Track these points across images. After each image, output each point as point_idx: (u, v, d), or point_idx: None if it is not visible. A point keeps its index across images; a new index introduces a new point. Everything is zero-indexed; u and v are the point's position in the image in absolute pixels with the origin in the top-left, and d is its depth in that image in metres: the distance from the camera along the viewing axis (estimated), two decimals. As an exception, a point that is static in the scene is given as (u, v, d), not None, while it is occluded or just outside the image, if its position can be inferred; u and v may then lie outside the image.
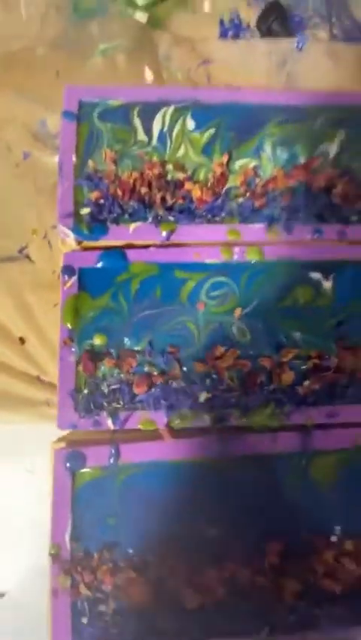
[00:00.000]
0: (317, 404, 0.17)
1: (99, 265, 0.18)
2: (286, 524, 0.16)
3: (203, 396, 0.16)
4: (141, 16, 0.30)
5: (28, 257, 0.25)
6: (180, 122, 0.19)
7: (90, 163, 0.18)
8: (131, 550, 0.15)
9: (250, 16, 0.31)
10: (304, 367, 0.17)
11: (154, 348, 0.17)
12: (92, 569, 0.15)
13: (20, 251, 0.25)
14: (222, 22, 0.31)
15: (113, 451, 0.16)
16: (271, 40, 0.30)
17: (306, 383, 0.17)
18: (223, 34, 0.31)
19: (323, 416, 0.17)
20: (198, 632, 0.15)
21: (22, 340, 0.21)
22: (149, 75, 0.29)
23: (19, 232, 0.25)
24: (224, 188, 0.18)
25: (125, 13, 0.30)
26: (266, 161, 0.19)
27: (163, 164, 0.18)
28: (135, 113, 0.19)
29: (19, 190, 0.26)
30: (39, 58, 0.29)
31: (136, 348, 0.17)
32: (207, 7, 0.31)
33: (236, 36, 0.31)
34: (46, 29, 0.29)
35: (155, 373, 0.17)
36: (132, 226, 0.18)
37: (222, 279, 0.18)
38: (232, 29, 0.31)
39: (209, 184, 0.18)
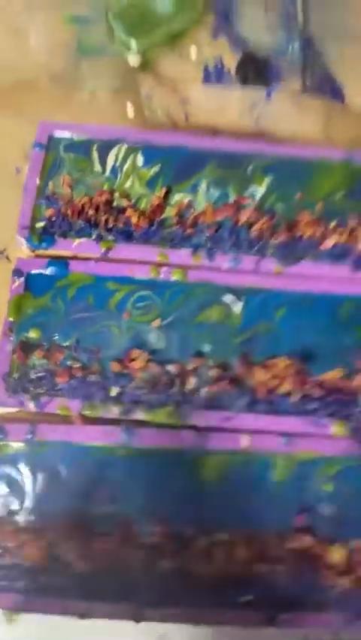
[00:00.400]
0: (214, 409, 0.19)
1: (45, 271, 0.21)
2: (172, 512, 0.18)
3: (114, 391, 0.19)
4: (134, 60, 0.34)
5: (7, 258, 0.29)
6: (131, 157, 0.22)
7: (50, 185, 0.22)
8: (33, 517, 0.18)
9: (232, 63, 0.35)
10: (207, 376, 0.19)
11: (80, 346, 0.20)
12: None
13: (2, 252, 0.28)
14: (206, 68, 0.35)
15: (30, 429, 0.19)
16: (246, 87, 0.33)
17: (206, 389, 0.19)
18: (206, 79, 0.35)
19: (217, 420, 0.19)
20: (80, 592, 0.17)
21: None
22: (131, 111, 0.33)
23: (2, 235, 0.29)
24: (160, 217, 0.21)
25: (119, 54, 0.34)
26: (201, 197, 0.22)
27: (112, 192, 0.22)
28: (95, 147, 0.23)
29: (9, 198, 0.30)
30: (41, 88, 0.33)
31: (64, 344, 0.20)
32: (193, 53, 0.35)
33: (218, 81, 0.35)
34: (51, 62, 0.34)
35: (76, 367, 0.19)
36: (77, 241, 0.21)
37: (147, 293, 0.21)
38: (214, 75, 0.35)
39: (147, 212, 0.21)
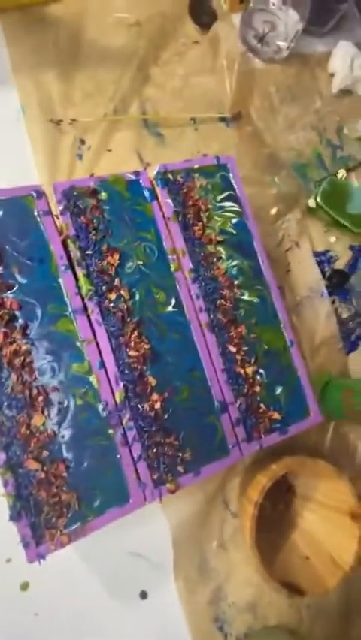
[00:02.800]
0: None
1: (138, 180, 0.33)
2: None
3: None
4: (311, 202, 0.48)
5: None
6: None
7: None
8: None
9: (339, 264, 0.48)
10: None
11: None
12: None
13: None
14: (324, 253, 0.48)
15: None
16: (323, 280, 0.46)
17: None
18: (317, 255, 0.48)
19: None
20: None
21: None
22: (273, 212, 0.46)
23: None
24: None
25: (308, 192, 0.48)
26: (226, 264, 0.34)
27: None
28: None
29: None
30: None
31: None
32: (333, 238, 0.49)
33: (322, 263, 0.48)
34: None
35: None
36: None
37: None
38: (323, 258, 0.48)
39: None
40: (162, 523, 0.37)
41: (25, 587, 0.34)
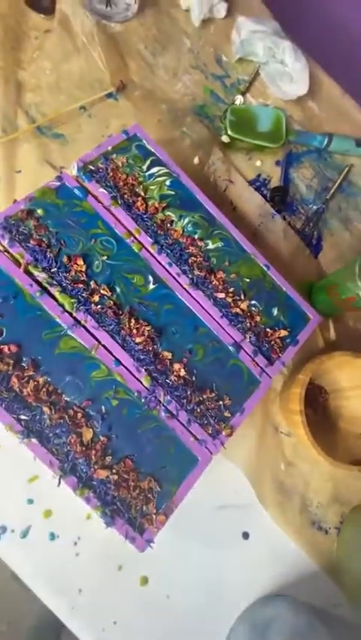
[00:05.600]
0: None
1: (75, 187, 0.33)
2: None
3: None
4: (225, 139, 0.49)
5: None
6: (164, 178, 0.36)
7: (114, 155, 0.35)
8: None
9: (273, 182, 0.50)
10: (106, 301, 0.31)
11: (55, 234, 0.31)
12: None
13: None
14: (258, 177, 0.50)
15: (-5, 250, 0.29)
16: (267, 202, 0.48)
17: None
18: (251, 183, 0.50)
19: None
20: None
21: None
22: (196, 160, 0.47)
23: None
24: (151, 215, 0.34)
25: (218, 129, 0.49)
26: (179, 223, 0.35)
27: (140, 183, 0.35)
28: (151, 159, 0.36)
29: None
30: (162, 109, 0.48)
31: (50, 229, 0.31)
32: (258, 162, 0.51)
33: (259, 188, 0.50)
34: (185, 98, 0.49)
35: (44, 243, 0.30)
36: (101, 190, 0.33)
37: (112, 240, 0.33)
38: (256, 182, 0.50)
39: (148, 208, 0.34)
40: (230, 471, 0.40)
41: (144, 581, 0.37)
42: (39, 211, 0.31)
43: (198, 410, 0.31)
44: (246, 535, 0.40)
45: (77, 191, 0.33)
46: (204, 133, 0.49)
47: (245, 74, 0.55)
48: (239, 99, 0.52)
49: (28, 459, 0.36)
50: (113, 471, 0.28)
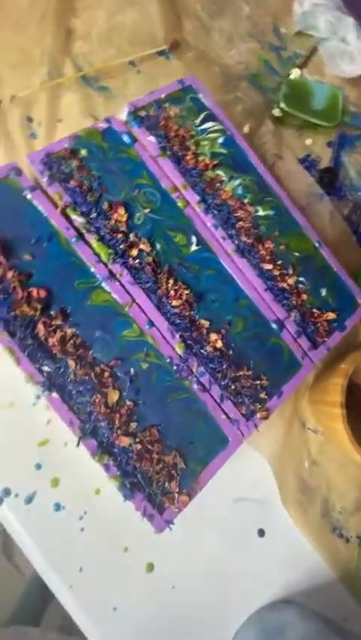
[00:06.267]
0: (129, 274, 0.27)
1: (124, 134, 0.30)
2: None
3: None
4: (276, 112, 0.46)
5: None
6: (218, 134, 0.33)
7: (168, 103, 0.32)
8: None
9: (323, 164, 0.47)
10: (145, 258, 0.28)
11: (99, 180, 0.28)
12: None
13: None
14: (307, 156, 0.47)
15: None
16: (316, 183, 0.45)
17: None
18: (301, 161, 0.46)
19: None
20: None
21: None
22: (247, 129, 0.44)
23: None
24: (201, 170, 0.31)
25: (271, 101, 0.46)
26: (230, 184, 0.32)
27: (192, 137, 0.32)
28: (206, 113, 0.33)
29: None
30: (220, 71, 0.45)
31: (92, 172, 0.29)
32: (308, 142, 0.48)
33: (307, 168, 0.46)
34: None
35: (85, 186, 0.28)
36: (151, 138, 0.30)
37: (156, 192, 0.30)
38: (305, 161, 0.47)
39: (198, 163, 0.31)
40: (252, 461, 0.37)
41: (150, 567, 0.34)
42: (83, 152, 0.29)
43: (233, 387, 0.28)
44: (262, 533, 0.37)
45: (124, 137, 0.30)
46: (259, 100, 0.46)
47: (303, 49, 0.51)
48: (295, 72, 0.49)
49: (39, 421, 0.34)
50: (137, 439, 0.25)
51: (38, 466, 0.33)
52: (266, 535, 0.37)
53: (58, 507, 0.32)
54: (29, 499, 0.32)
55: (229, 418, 0.28)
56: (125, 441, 0.24)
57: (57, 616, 0.33)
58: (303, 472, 0.39)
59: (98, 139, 0.29)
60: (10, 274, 0.25)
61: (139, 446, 0.25)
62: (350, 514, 0.40)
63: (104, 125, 0.30)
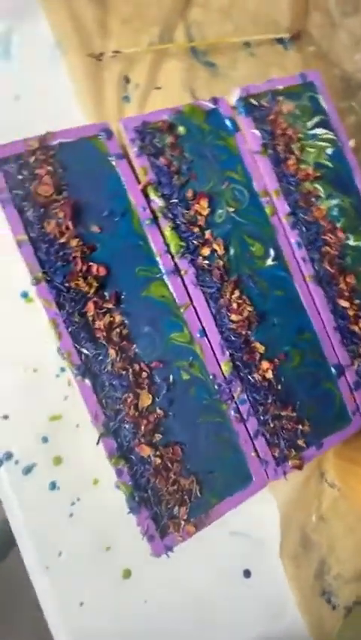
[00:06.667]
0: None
1: (227, 118, 0.27)
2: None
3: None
4: None
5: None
6: (327, 144, 0.29)
7: (281, 99, 0.29)
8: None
9: None
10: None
11: (189, 156, 0.26)
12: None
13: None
14: None
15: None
16: None
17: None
18: None
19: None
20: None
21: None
22: (352, 144, 0.40)
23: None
24: (294, 172, 0.28)
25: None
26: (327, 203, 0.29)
27: (299, 140, 0.28)
28: (320, 117, 0.29)
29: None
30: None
31: (185, 154, 0.26)
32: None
33: None
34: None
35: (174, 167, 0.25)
36: (255, 131, 0.27)
37: (246, 192, 0.27)
38: None
39: (298, 170, 0.28)
40: (260, 499, 0.35)
41: (127, 574, 0.32)
42: (181, 129, 0.26)
43: (272, 425, 0.25)
44: (247, 574, 0.35)
45: (227, 122, 0.27)
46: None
47: None
48: None
49: (58, 395, 0.33)
50: (158, 453, 0.23)
51: (45, 439, 0.32)
52: (252, 577, 0.35)
53: (53, 486, 0.31)
54: (28, 470, 0.31)
55: (258, 456, 0.25)
56: (146, 450, 0.22)
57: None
58: (308, 526, 0.36)
59: (200, 119, 0.27)
60: (74, 242, 0.23)
61: (158, 460, 0.23)
62: (345, 582, 0.37)
63: (210, 105, 0.27)
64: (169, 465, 0.23)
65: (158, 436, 0.23)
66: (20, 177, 0.22)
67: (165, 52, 0.38)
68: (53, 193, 0.23)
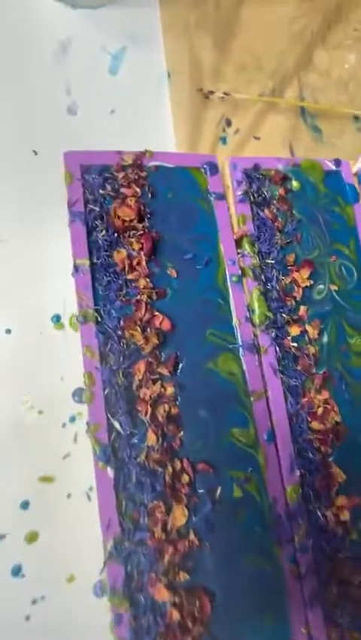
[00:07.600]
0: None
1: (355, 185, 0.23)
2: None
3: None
4: None
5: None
6: None
7: None
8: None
9: None
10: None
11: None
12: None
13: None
14: None
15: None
16: None
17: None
18: None
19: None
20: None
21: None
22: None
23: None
24: None
25: None
26: None
27: None
28: None
29: None
30: None
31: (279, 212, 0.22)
32: None
33: None
34: None
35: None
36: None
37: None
38: None
39: None
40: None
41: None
42: (295, 183, 0.22)
43: (336, 592, 0.18)
44: None
45: (348, 189, 0.23)
46: None
47: None
48: None
49: (57, 449, 0.26)
50: (177, 601, 0.16)
51: (25, 505, 0.25)
52: None
53: (18, 571, 0.24)
54: (-6, 542, 0.24)
55: (308, 632, 0.17)
56: (162, 594, 0.15)
57: None
58: None
59: (318, 178, 0.23)
60: (143, 282, 0.18)
61: (176, 614, 0.16)
62: None
63: (332, 166, 0.23)
64: (189, 625, 0.16)
65: (183, 575, 0.16)
66: (102, 192, 0.18)
67: (273, 105, 0.37)
68: (134, 219, 0.18)
